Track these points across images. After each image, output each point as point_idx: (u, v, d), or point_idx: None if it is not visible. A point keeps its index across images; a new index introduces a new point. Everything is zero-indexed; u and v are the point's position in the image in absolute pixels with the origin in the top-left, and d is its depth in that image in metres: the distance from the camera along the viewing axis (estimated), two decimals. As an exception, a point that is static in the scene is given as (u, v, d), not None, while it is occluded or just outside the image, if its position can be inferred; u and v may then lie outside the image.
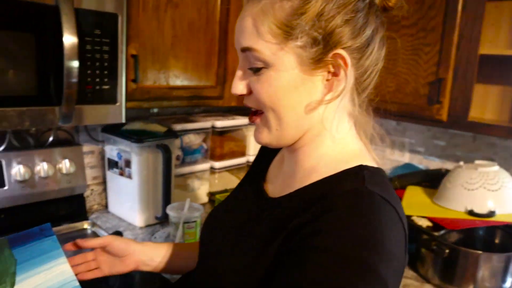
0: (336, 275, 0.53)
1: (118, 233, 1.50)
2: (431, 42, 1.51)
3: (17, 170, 1.50)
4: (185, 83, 1.61)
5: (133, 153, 1.61)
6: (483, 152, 1.81)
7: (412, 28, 1.56)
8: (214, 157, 2.00)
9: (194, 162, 1.92)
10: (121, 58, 1.33)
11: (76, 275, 0.80)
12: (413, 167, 2.03)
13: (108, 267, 1.00)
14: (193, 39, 1.58)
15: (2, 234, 1.48)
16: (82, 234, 1.60)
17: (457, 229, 1.44)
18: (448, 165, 1.92)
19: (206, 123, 1.90)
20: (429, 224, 1.49)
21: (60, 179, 1.61)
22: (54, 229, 1.54)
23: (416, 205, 1.61)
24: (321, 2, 0.62)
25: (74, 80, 1.17)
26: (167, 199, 1.63)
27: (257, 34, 0.64)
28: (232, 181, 2.09)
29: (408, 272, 1.46)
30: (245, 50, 0.66)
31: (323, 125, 0.69)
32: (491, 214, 1.45)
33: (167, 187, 1.62)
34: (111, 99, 1.34)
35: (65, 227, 1.61)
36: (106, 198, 1.84)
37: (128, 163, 1.65)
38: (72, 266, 0.83)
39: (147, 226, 1.70)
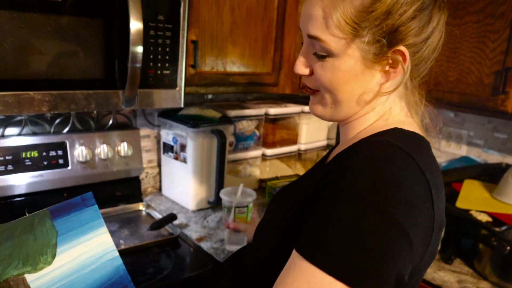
0: (351, 219, 0.56)
1: (173, 216, 1.54)
2: (499, 29, 1.44)
3: (80, 151, 1.56)
4: (242, 69, 1.61)
5: (188, 137, 1.64)
6: (548, 146, 1.72)
7: (479, 14, 1.49)
8: (266, 144, 2.01)
9: (247, 149, 1.93)
10: (182, 44, 1.35)
11: None
12: (471, 160, 1.95)
13: None
14: (250, 25, 1.58)
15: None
16: (137, 215, 1.66)
17: (520, 225, 1.38)
18: (509, 159, 1.84)
19: (259, 110, 1.91)
20: (489, 219, 1.43)
21: (118, 161, 1.67)
22: (111, 209, 1.63)
23: (474, 199, 1.55)
24: (390, 0, 0.63)
25: (138, 64, 1.20)
26: (220, 184, 1.65)
27: (325, 26, 0.66)
28: (282, 169, 2.10)
29: (464, 268, 1.42)
30: (312, 37, 0.68)
31: (373, 107, 0.73)
32: (557, 211, 1.38)
33: (220, 172, 1.64)
34: (171, 83, 1.36)
35: (121, 208, 1.67)
36: (160, 181, 1.89)
37: (183, 148, 1.68)
38: None
39: (200, 210, 1.73)
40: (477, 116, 1.90)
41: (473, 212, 1.46)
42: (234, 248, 1.41)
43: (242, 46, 1.59)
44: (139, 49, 1.18)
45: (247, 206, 1.43)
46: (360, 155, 0.62)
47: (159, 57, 1.31)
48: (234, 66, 1.58)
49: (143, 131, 1.81)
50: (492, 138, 1.90)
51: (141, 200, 1.75)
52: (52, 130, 1.58)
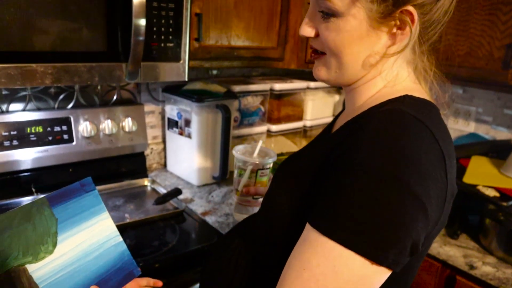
0: (367, 190, 0.55)
1: (178, 191, 1.54)
2: (511, 0, 1.41)
3: (84, 127, 1.56)
4: (247, 43, 1.59)
5: (193, 112, 1.63)
6: (558, 122, 1.70)
7: (490, -14, 1.45)
8: (271, 120, 1.99)
9: (251, 125, 1.92)
10: (185, 16, 1.32)
11: None
12: (479, 137, 1.93)
13: None
14: (256, -2, 1.56)
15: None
16: (142, 190, 1.66)
17: (527, 201, 1.37)
18: (518, 135, 1.82)
19: (265, 86, 1.89)
20: (496, 194, 1.42)
21: (122, 136, 1.67)
22: (116, 184, 1.64)
23: (481, 174, 1.54)
24: None
25: (141, 37, 1.18)
26: (225, 160, 1.65)
27: None
28: (288, 145, 2.09)
29: (469, 243, 1.42)
30: None
31: (380, 72, 0.71)
32: None
33: (225, 147, 1.63)
34: (175, 57, 1.35)
35: (126, 183, 1.67)
36: (165, 157, 1.89)
37: (188, 123, 1.67)
38: None
39: (205, 185, 1.73)
40: (486, 92, 1.87)
41: (480, 187, 1.45)
42: (242, 218, 1.24)
43: (247, 20, 1.56)
44: (142, 21, 1.17)
45: (268, 168, 1.20)
46: (374, 125, 0.61)
47: (163, 29, 1.29)
48: (239, 40, 1.56)
49: (148, 107, 1.80)
50: (501, 115, 1.87)
51: (146, 176, 1.75)
52: (56, 105, 1.57)
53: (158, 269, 1.18)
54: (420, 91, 0.71)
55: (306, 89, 2.05)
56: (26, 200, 1.44)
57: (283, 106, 2.01)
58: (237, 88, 1.78)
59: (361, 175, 0.56)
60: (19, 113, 1.46)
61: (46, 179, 1.53)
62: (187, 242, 1.32)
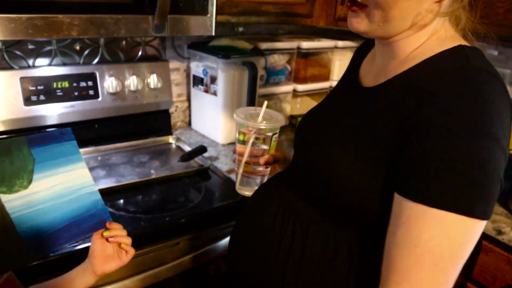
0: (464, 152, 0.56)
1: (203, 148, 1.53)
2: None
3: (110, 83, 1.55)
4: (274, -2, 1.54)
5: (219, 69, 1.60)
6: None
7: None
8: (298, 79, 1.95)
9: (277, 84, 1.88)
10: (213, -32, 1.28)
11: None
12: (513, 100, 1.86)
13: None
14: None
15: (96, 144, 1.59)
16: (167, 148, 1.66)
17: None
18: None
19: (292, 44, 1.84)
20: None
21: (148, 93, 1.65)
22: (141, 141, 1.64)
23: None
24: None
25: (168, -12, 1.15)
26: (251, 118, 1.62)
27: None
28: (313, 106, 2.05)
29: (498, 209, 1.38)
30: None
31: (424, 27, 0.68)
32: None
33: (251, 106, 1.60)
34: (202, 10, 1.31)
35: (151, 140, 1.67)
36: (189, 115, 1.88)
37: (213, 80, 1.64)
38: None
39: (230, 143, 1.72)
40: (524, 52, 1.78)
41: (513, 151, 1.40)
42: (247, 193, 1.04)
43: (276, -27, 1.50)
44: (169, -29, 1.13)
45: (276, 134, 0.99)
46: (454, 85, 0.59)
47: (189, -18, 1.25)
48: (266, -6, 1.50)
49: (173, 64, 1.77)
50: (539, 77, 1.79)
51: (171, 133, 1.75)
52: (81, 61, 1.56)
53: (183, 224, 1.19)
54: (460, 39, 0.68)
55: (334, 49, 1.99)
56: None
57: (309, 66, 1.96)
58: (264, 46, 1.73)
59: (456, 139, 0.56)
60: (45, 67, 1.45)
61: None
62: (212, 199, 1.32)
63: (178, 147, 1.66)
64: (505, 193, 1.39)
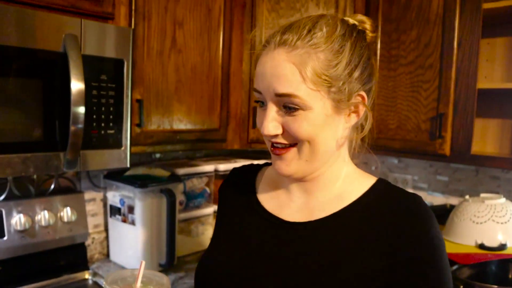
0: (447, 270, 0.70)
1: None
2: (429, 78, 1.55)
3: (18, 220, 1.46)
4: (189, 126, 1.61)
5: (136, 198, 1.59)
6: (487, 185, 1.81)
7: (410, 66, 1.60)
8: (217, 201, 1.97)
9: (198, 207, 1.89)
10: (126, 103, 1.34)
11: None
12: (417, 204, 2.01)
13: None
14: (196, 83, 1.60)
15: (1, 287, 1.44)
16: (83, 285, 1.55)
17: (469, 263, 1.41)
18: (452, 200, 1.91)
19: (209, 167, 1.89)
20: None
21: (61, 227, 1.58)
22: (53, 280, 1.52)
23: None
24: (348, 53, 0.71)
25: (80, 125, 1.17)
26: (171, 245, 1.59)
27: (298, 82, 0.68)
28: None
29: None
30: (283, 95, 0.69)
31: (340, 153, 0.78)
32: (503, 247, 1.43)
33: (171, 233, 1.58)
34: (116, 143, 1.33)
35: (65, 278, 1.56)
36: (107, 246, 1.80)
37: (131, 209, 1.62)
38: None
39: (151, 273, 1.65)
40: (419, 160, 1.98)
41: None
42: None
43: (188, 104, 1.60)
44: (81, 109, 1.16)
45: None
46: (420, 216, 0.71)
47: (103, 116, 1.29)
48: (181, 123, 1.58)
49: (88, 195, 1.73)
50: (435, 181, 1.97)
51: (87, 268, 1.64)
52: (-13, 198, 1.48)
53: None
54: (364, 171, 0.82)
55: (250, 167, 2.07)
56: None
57: (228, 186, 2.00)
58: (181, 171, 1.77)
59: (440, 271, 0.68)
60: None
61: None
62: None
63: (95, 283, 1.56)
64: None
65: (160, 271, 1.64)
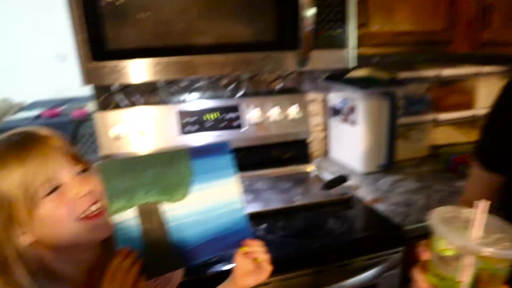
0: None
1: (344, 177, 1.54)
2: None
3: (253, 114, 1.65)
4: (412, 27, 1.51)
5: (358, 99, 1.62)
6: None
7: None
8: (438, 108, 1.87)
9: (417, 113, 1.83)
10: (350, 3, 1.32)
11: None
12: None
13: None
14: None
15: (241, 170, 1.66)
16: (307, 176, 1.70)
17: None
18: None
19: (431, 72, 1.79)
20: None
21: (287, 124, 1.73)
22: (281, 169, 1.70)
23: None
24: None
25: (310, 26, 1.21)
26: (391, 147, 1.60)
27: None
28: (455, 136, 1.94)
29: None
30: None
31: None
32: None
33: (391, 135, 1.59)
34: (341, 44, 1.35)
35: (290, 169, 1.73)
36: (326, 145, 1.91)
37: (352, 110, 1.66)
38: None
39: (369, 173, 1.71)
40: None
41: None
42: None
43: (411, 3, 1.49)
44: (311, 11, 1.20)
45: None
46: None
47: (329, 18, 1.31)
48: (403, 25, 1.49)
49: (310, 96, 1.84)
50: None
51: (309, 162, 1.79)
52: (227, 94, 1.70)
53: (331, 252, 1.20)
54: None
55: (478, 75, 1.88)
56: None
57: (450, 94, 1.87)
58: (402, 75, 1.71)
59: None
60: (196, 101, 1.61)
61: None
62: (356, 228, 1.33)
63: (317, 176, 1.69)
64: None
65: (378, 172, 1.69)
